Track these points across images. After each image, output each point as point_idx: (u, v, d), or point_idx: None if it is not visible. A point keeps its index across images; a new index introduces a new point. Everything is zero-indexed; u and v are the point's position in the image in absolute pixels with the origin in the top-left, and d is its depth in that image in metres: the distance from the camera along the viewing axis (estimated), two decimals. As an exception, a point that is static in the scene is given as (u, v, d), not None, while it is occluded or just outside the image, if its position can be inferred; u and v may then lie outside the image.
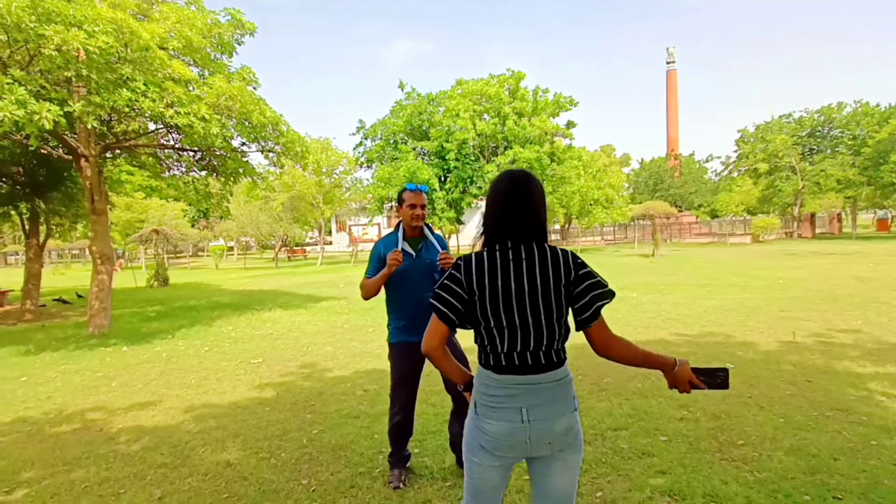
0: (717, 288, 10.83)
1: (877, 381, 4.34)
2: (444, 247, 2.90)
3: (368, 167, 28.35)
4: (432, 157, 25.22)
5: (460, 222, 26.39)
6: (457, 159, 23.83)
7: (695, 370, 1.54)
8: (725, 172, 42.55)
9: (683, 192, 45.34)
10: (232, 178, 9.75)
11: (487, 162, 23.95)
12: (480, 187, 23.87)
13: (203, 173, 10.30)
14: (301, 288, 14.94)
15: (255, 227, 30.44)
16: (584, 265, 1.54)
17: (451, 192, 24.14)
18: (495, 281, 1.51)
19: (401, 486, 2.85)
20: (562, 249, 1.55)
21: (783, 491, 2.62)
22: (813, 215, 34.26)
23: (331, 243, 45.99)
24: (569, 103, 25.18)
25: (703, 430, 3.48)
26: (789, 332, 6.25)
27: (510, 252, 1.53)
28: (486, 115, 24.41)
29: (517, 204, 1.54)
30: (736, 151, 39.66)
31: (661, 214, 26.12)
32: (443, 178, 24.98)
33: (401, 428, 2.94)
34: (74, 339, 8.04)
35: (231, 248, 43.48)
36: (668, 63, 64.19)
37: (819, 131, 34.00)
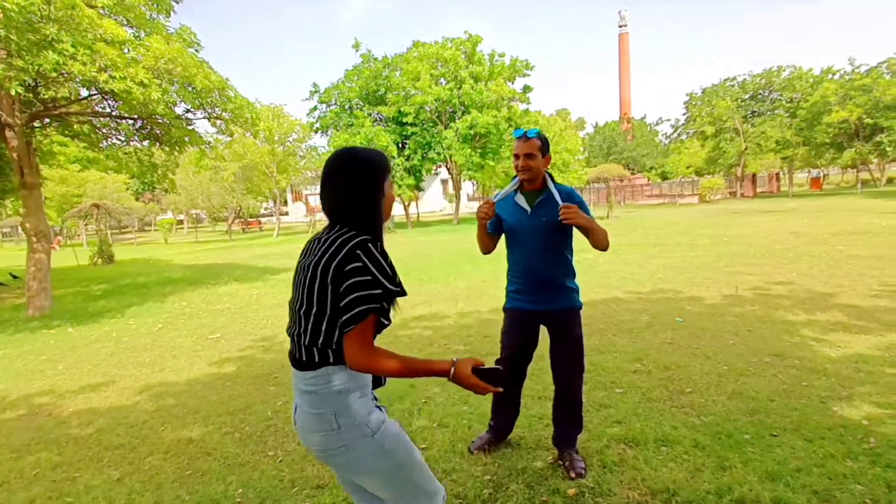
0: (668, 247, 11.30)
1: (808, 328, 4.68)
2: (575, 200, 2.39)
3: (324, 134, 27.53)
4: (390, 123, 24.70)
5: (419, 189, 26.19)
6: (414, 124, 23.42)
7: (475, 370, 1.42)
8: (675, 135, 43.77)
9: (636, 155, 46.54)
10: (177, 148, 9.25)
11: (445, 127, 23.69)
12: (439, 153, 23.66)
13: (145, 143, 9.72)
14: (258, 260, 14.58)
15: (205, 199, 29.29)
16: (359, 263, 1.31)
17: (411, 159, 23.82)
18: (298, 265, 1.48)
19: (478, 452, 2.73)
20: (353, 241, 1.34)
21: (726, 431, 2.82)
22: (754, 175, 35.90)
23: (287, 213, 44.87)
24: (525, 67, 25.03)
25: (654, 380, 3.68)
26: (732, 287, 6.62)
27: (321, 236, 1.44)
28: (442, 80, 23.98)
29: (324, 187, 1.45)
30: (685, 114, 40.75)
31: (615, 177, 26.79)
32: (401, 145, 24.57)
33: (503, 400, 2.76)
34: (12, 322, 7.60)
35: (181, 222, 41.74)
36: (620, 26, 64.58)
37: (760, 94, 35.26)
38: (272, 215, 44.90)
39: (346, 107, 26.18)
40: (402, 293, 1.40)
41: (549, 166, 2.46)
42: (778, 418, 2.96)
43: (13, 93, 6.36)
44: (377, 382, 1.48)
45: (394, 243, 17.05)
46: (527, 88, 26.37)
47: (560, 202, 2.33)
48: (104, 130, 9.80)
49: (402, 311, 5.28)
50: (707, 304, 5.88)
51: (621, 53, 63.83)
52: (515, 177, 2.51)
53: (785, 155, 32.54)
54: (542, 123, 27.09)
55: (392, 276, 1.36)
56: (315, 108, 27.13)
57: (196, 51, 8.12)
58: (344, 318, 1.31)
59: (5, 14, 5.60)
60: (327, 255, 1.35)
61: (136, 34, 7.72)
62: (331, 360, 1.36)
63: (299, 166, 29.86)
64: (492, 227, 2.58)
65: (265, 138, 24.47)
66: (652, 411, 3.17)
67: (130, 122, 8.84)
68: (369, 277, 1.31)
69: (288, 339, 1.49)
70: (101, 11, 6.88)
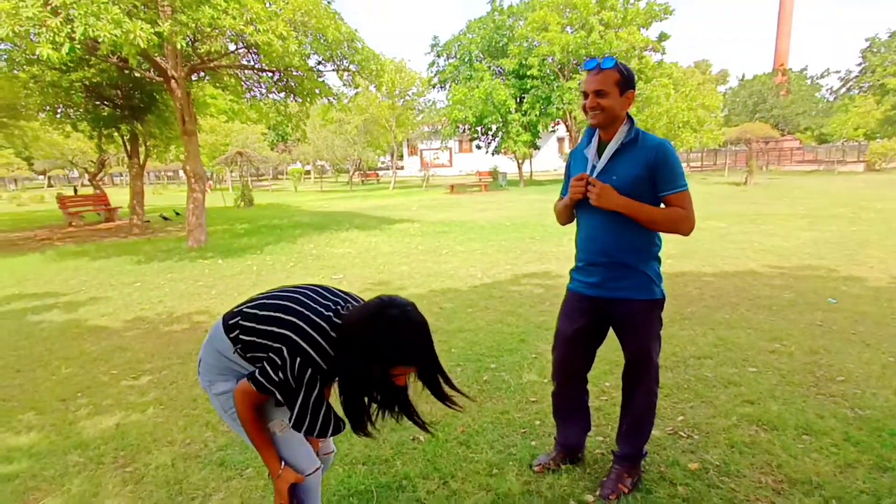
0: (821, 219, 9.84)
1: None
2: (659, 159, 1.88)
3: (442, 88, 27.59)
4: (509, 77, 23.98)
5: (536, 147, 25.42)
6: (535, 77, 22.45)
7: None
8: (843, 90, 37.34)
9: (789, 114, 40.58)
10: (308, 99, 9.85)
11: (567, 80, 22.46)
12: (559, 108, 22.59)
13: (282, 95, 10.48)
14: (375, 210, 15.32)
15: (330, 152, 31.14)
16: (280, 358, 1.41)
17: (528, 114, 23.04)
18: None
19: (541, 469, 2.21)
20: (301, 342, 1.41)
21: (888, 429, 2.44)
22: (946, 140, 29.65)
23: (402, 168, 46.36)
24: (663, 11, 22.61)
25: (797, 363, 3.27)
26: (906, 268, 5.61)
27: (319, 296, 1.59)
28: (569, 28, 22.56)
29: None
30: (860, 65, 34.45)
31: (760, 138, 23.69)
32: (519, 99, 23.82)
33: (560, 405, 2.27)
34: (177, 251, 8.83)
35: (308, 172, 45.06)
36: (783, -39, 55.33)
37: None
38: (388, 168, 46.70)
39: (466, 59, 25.86)
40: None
41: (630, 107, 1.94)
42: (961, 423, 2.49)
43: (178, 46, 7.11)
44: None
45: (505, 201, 16.90)
46: (663, 36, 23.89)
47: (645, 158, 1.88)
48: (248, 83, 10.72)
49: (514, 267, 5.31)
50: (870, 286, 5.06)
51: (782, -5, 54.93)
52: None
53: None
54: (677, 76, 24.55)
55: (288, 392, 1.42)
56: (433, 63, 27.15)
57: (328, 2, 8.42)
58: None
59: (171, -27, 6.22)
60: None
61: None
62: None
63: (416, 121, 30.42)
64: (565, 191, 2.12)
65: (387, 92, 25.14)
66: (793, 396, 2.83)
67: (270, 74, 9.54)
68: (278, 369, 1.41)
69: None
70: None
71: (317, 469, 1.60)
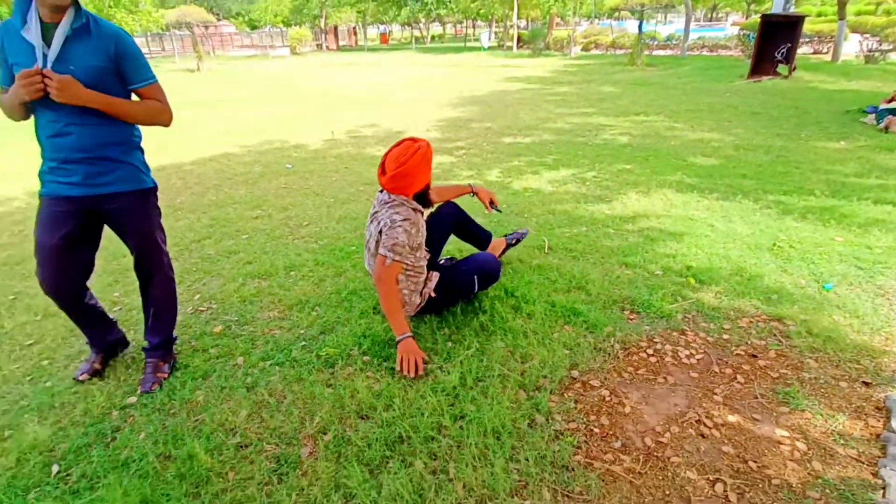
0: (268, 100, 11.36)
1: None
2: (120, 49, 1.76)
3: None
4: None
5: None
6: None
7: None
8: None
9: (218, -2, 41.74)
10: None
11: None
12: None
13: None
14: None
15: None
16: None
17: None
18: None
19: (86, 376, 2.11)
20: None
21: (337, 248, 3.44)
22: (336, 28, 38.16)
23: None
24: None
25: (276, 221, 4.00)
26: (329, 132, 7.40)
27: None
28: None
29: None
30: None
31: (199, 22, 23.73)
32: None
33: (73, 317, 2.10)
34: None
35: None
36: None
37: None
38: None
39: None
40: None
41: None
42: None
43: None
44: None
45: None
46: None
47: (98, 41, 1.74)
48: None
49: None
50: (311, 150, 6.46)
51: None
52: None
53: (359, 10, 35.47)
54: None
55: None
56: None
57: None
58: None
59: None
60: None
61: None
62: None
63: None
64: (5, 80, 1.78)
65: None
66: (278, 246, 3.52)
67: None
68: None
69: None
70: None
71: None
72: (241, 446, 1.76)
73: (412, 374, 2.07)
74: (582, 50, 25.40)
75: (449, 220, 2.74)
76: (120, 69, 1.81)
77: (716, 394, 1.97)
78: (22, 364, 2.29)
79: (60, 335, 2.50)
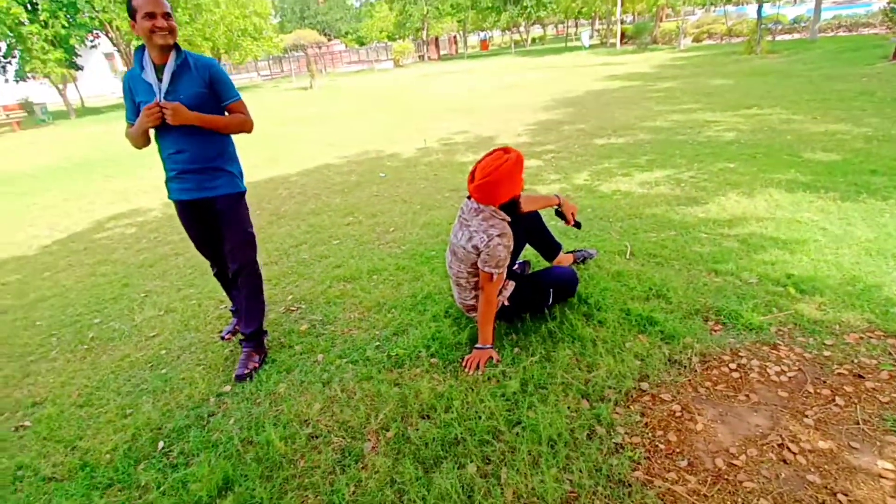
0: (368, 112, 12.01)
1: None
2: (211, 74, 2.18)
3: None
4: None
5: (76, 66, 20.29)
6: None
7: None
8: (365, -3, 43.56)
9: (330, 20, 45.00)
10: None
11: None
12: (92, 17, 18.29)
13: None
14: None
15: None
16: None
17: (51, 26, 17.49)
18: None
19: (229, 337, 2.70)
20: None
21: (418, 253, 3.58)
22: (437, 38, 39.28)
23: None
24: None
25: (365, 227, 4.25)
26: (422, 140, 7.66)
27: None
28: None
29: None
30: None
31: (312, 43, 25.77)
32: (32, 6, 17.71)
33: (222, 282, 2.70)
34: None
35: None
36: None
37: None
38: None
39: None
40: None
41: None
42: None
43: None
44: None
45: (54, 140, 13.50)
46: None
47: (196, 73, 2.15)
48: None
49: (92, 213, 4.68)
50: (403, 158, 6.75)
51: None
52: (141, 47, 2.13)
53: (459, 18, 36.23)
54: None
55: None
56: None
57: None
58: None
59: None
60: None
61: None
62: None
63: None
64: (131, 116, 2.23)
65: None
66: (364, 252, 3.74)
67: None
68: None
69: None
70: None
71: None
72: (312, 437, 1.92)
73: (471, 371, 2.14)
74: (693, 41, 23.68)
75: (530, 228, 2.70)
76: (214, 90, 2.23)
77: (807, 416, 1.77)
78: (145, 353, 2.69)
79: (177, 329, 2.90)
